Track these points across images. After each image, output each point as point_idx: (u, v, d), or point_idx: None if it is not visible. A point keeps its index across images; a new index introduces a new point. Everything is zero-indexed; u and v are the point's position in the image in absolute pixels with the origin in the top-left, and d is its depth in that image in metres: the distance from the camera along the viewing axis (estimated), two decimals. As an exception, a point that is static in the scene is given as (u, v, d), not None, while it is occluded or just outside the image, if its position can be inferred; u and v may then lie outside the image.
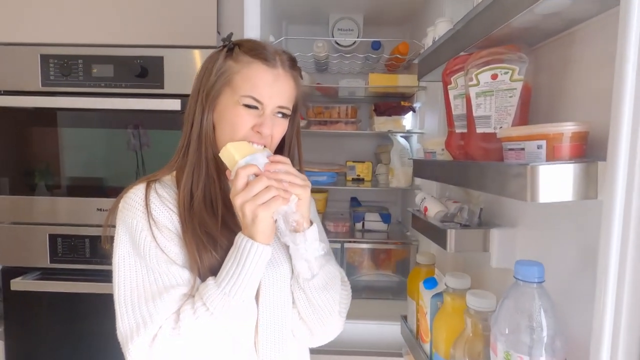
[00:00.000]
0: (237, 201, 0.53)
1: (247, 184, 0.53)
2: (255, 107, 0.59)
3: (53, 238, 1.09)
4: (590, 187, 0.44)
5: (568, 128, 0.44)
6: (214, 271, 0.56)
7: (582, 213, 0.50)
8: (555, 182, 0.43)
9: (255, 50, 0.59)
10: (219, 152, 0.59)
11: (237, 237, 0.55)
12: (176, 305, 0.54)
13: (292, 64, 0.63)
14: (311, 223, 0.60)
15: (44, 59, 1.06)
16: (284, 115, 0.62)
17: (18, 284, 1.07)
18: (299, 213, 0.57)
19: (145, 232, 0.55)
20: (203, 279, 0.56)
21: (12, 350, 1.12)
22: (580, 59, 0.52)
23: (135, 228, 0.55)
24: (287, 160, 0.57)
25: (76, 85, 1.06)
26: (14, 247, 1.10)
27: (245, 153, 0.55)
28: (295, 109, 0.66)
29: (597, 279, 0.43)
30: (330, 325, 0.65)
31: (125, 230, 0.56)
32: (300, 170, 0.66)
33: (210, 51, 0.63)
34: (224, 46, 0.61)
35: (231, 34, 0.62)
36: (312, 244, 0.58)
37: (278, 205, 0.53)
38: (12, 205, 1.09)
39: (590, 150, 0.47)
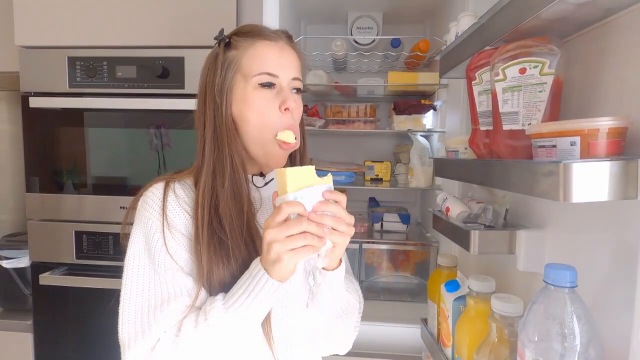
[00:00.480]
0: (267, 236, 0.48)
1: (285, 222, 0.47)
2: (272, 85, 0.57)
3: (79, 235, 1.12)
4: (629, 186, 0.41)
5: (605, 123, 0.42)
6: (222, 284, 0.54)
7: (620, 214, 0.47)
8: (591, 181, 0.41)
9: (253, 31, 0.59)
10: (248, 146, 0.58)
11: (253, 263, 0.52)
12: (176, 318, 0.52)
13: (290, 38, 0.62)
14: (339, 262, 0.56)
15: (71, 61, 1.09)
16: (298, 90, 0.61)
17: (46, 279, 1.11)
18: (328, 259, 0.53)
19: (158, 234, 0.55)
20: (210, 288, 0.55)
21: (40, 342, 1.17)
22: (617, 50, 0.49)
23: (150, 228, 0.55)
24: (342, 199, 0.51)
25: (101, 86, 1.09)
26: (42, 243, 1.14)
27: (301, 184, 0.49)
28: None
29: (636, 284, 0.40)
30: (340, 347, 0.67)
31: (141, 230, 0.56)
32: (303, 157, 0.66)
33: (221, 28, 0.61)
34: (219, 41, 0.59)
35: (222, 29, 0.60)
36: (334, 286, 0.56)
37: (307, 254, 0.48)
38: (41, 203, 1.13)
39: (629, 147, 0.45)
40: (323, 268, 0.55)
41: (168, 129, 1.09)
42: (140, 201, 0.58)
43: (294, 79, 0.59)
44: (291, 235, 0.47)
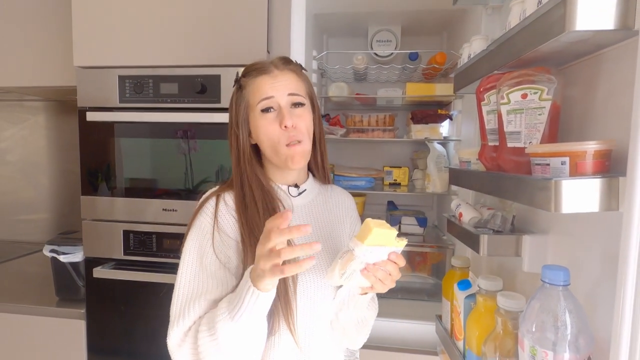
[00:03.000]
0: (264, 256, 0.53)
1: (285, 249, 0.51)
2: (270, 108, 0.67)
3: (126, 233, 1.26)
4: (612, 200, 0.48)
5: (591, 147, 0.49)
6: None
7: (606, 223, 0.54)
8: (578, 195, 0.48)
9: (252, 70, 0.70)
10: (272, 160, 0.70)
11: (246, 271, 0.58)
12: (210, 308, 0.62)
13: (286, 62, 0.71)
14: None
15: (121, 79, 1.23)
16: (300, 104, 0.69)
17: (99, 272, 1.25)
18: (362, 290, 0.67)
19: (208, 235, 0.66)
20: None
21: (92, 329, 1.31)
22: (606, 79, 0.56)
23: (202, 230, 0.67)
24: (401, 262, 0.61)
25: (147, 101, 1.22)
26: (95, 241, 1.28)
27: (378, 241, 0.57)
28: (313, 103, 0.74)
29: (617, 282, 0.47)
30: (352, 346, 0.80)
31: (195, 231, 0.67)
32: (322, 165, 0.78)
33: (237, 70, 0.75)
34: (236, 81, 0.72)
35: (237, 73, 0.73)
36: (359, 305, 0.70)
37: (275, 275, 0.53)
38: (94, 205, 1.28)
39: (615, 166, 0.51)
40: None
41: (207, 139, 1.21)
42: (198, 209, 0.69)
43: (290, 94, 0.68)
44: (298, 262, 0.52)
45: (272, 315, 0.63)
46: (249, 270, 0.57)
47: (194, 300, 0.63)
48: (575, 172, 0.50)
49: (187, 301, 0.63)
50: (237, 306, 0.56)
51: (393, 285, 0.62)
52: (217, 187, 0.73)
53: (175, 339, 0.61)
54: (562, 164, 0.50)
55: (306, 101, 0.71)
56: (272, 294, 0.57)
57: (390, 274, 0.60)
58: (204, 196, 0.71)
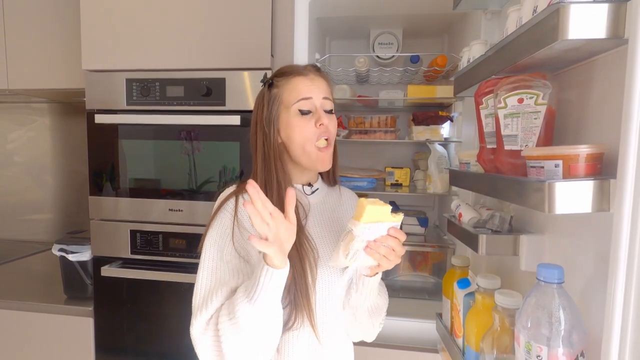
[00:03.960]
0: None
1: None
2: (309, 112, 0.71)
3: (133, 233, 1.29)
4: (603, 201, 0.51)
5: (583, 150, 0.51)
6: None
7: (598, 224, 0.56)
8: (570, 196, 0.50)
9: (288, 71, 0.74)
10: (298, 160, 0.73)
11: (259, 255, 0.62)
12: (227, 298, 0.64)
13: (318, 69, 0.76)
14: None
15: (129, 82, 1.26)
16: (331, 111, 0.74)
17: (106, 271, 1.28)
18: (371, 271, 0.69)
19: (228, 230, 0.69)
20: None
21: (100, 326, 1.34)
22: (598, 85, 0.58)
23: (223, 224, 0.70)
24: (402, 237, 0.65)
25: (153, 104, 1.25)
26: (102, 240, 1.31)
27: (374, 218, 0.61)
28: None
29: (608, 280, 0.49)
30: (367, 337, 0.82)
31: (216, 227, 0.70)
32: (333, 170, 0.81)
33: (265, 72, 0.79)
34: (265, 84, 0.75)
35: (266, 74, 0.76)
36: (370, 289, 0.72)
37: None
38: (101, 205, 1.30)
39: (607, 168, 0.54)
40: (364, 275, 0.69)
41: (213, 140, 1.24)
42: (219, 207, 0.72)
43: (325, 98, 0.73)
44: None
45: (293, 310, 0.66)
46: (261, 254, 0.60)
47: (215, 291, 0.65)
48: (569, 174, 0.52)
49: (209, 292, 0.66)
50: (254, 288, 0.59)
51: (398, 260, 0.66)
52: (235, 186, 0.75)
53: (198, 328, 0.64)
54: (555, 167, 0.52)
55: (334, 107, 0.76)
56: (285, 271, 0.60)
57: (393, 250, 0.64)
58: (223, 195, 0.74)
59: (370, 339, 0.83)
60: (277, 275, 0.59)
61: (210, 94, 1.21)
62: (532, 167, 0.56)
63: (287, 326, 0.67)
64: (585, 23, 0.49)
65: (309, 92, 0.71)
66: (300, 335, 0.70)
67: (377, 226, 0.61)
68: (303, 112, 0.71)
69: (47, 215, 2.04)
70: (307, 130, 0.71)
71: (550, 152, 0.53)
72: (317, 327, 0.70)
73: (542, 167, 0.54)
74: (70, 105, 1.96)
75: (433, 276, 1.46)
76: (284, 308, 0.66)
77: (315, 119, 0.71)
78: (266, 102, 0.73)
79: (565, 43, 0.51)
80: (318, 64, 0.78)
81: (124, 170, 1.30)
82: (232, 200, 0.72)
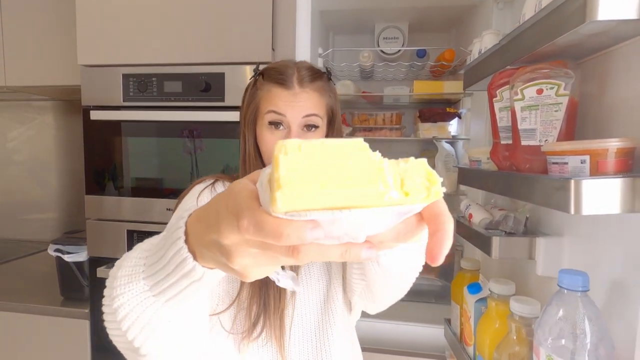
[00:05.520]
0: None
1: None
2: (280, 123, 0.60)
3: (130, 233, 1.25)
4: (636, 201, 0.45)
5: (613, 144, 0.46)
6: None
7: (629, 225, 0.50)
8: (599, 195, 0.45)
9: (273, 76, 0.62)
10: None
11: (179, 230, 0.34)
12: None
13: (314, 78, 0.62)
14: None
15: (125, 77, 1.22)
16: (314, 127, 0.62)
17: (103, 272, 1.25)
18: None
19: (186, 213, 0.52)
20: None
21: (96, 328, 1.31)
22: (627, 73, 0.53)
23: (182, 210, 0.55)
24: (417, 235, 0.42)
25: (151, 100, 1.21)
26: (99, 240, 1.28)
27: (315, 196, 0.32)
28: (333, 116, 0.66)
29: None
30: (379, 303, 0.63)
31: (177, 212, 0.58)
32: None
33: (264, 67, 0.67)
34: (254, 76, 0.65)
35: (258, 65, 0.66)
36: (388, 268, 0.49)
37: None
38: (98, 204, 1.27)
39: (638, 164, 0.48)
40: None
41: (212, 137, 1.20)
42: (185, 193, 0.64)
43: (306, 116, 0.60)
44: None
45: (260, 316, 0.57)
46: (183, 228, 0.33)
47: None
48: (596, 171, 0.47)
49: None
50: (163, 279, 0.35)
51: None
52: (211, 176, 0.68)
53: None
54: (582, 163, 0.47)
55: (322, 122, 0.63)
56: (218, 272, 0.33)
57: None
58: (195, 182, 0.66)
59: (382, 307, 0.64)
60: (207, 277, 0.33)
61: (209, 89, 1.17)
62: (554, 163, 0.51)
63: (247, 335, 0.57)
64: (616, 2, 0.44)
65: (284, 109, 0.60)
66: (263, 352, 0.59)
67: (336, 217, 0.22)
68: (272, 124, 0.61)
69: (49, 215, 2.02)
70: (271, 145, 0.61)
71: (576, 147, 0.48)
72: (286, 350, 0.59)
73: (566, 164, 0.49)
74: (70, 103, 1.93)
75: (439, 279, 1.41)
76: (244, 309, 0.57)
77: (284, 136, 0.61)
78: (247, 102, 0.65)
79: (593, 25, 0.46)
80: (319, 68, 0.66)
81: (122, 169, 1.26)
82: (198, 188, 0.63)
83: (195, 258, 0.32)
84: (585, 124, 0.60)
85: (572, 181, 0.46)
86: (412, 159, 0.23)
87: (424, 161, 0.23)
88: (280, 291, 0.59)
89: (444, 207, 0.25)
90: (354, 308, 0.67)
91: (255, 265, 0.27)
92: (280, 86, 0.61)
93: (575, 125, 0.58)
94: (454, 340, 0.89)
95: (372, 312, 0.67)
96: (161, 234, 0.38)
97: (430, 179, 0.22)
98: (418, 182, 0.22)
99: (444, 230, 0.24)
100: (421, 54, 1.40)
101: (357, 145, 0.22)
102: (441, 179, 0.23)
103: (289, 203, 0.20)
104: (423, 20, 1.51)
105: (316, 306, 0.63)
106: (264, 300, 0.58)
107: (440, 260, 0.24)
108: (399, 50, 1.52)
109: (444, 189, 0.23)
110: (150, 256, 0.37)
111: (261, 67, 0.67)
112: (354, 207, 0.20)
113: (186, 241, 0.32)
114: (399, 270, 0.52)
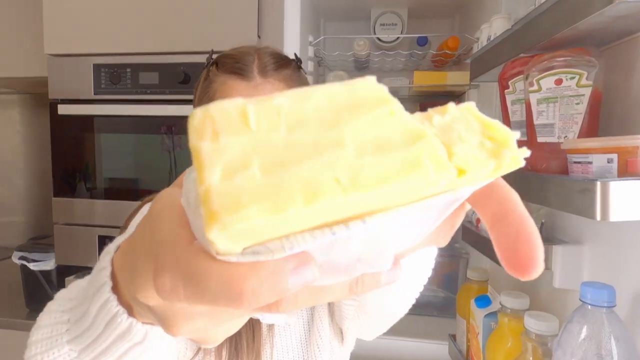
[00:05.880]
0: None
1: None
2: None
3: (102, 239, 1.20)
4: (670, 206, 0.42)
5: (645, 141, 0.43)
6: None
7: (662, 233, 0.47)
8: (629, 199, 0.42)
9: (229, 65, 0.55)
10: None
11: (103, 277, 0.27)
12: None
13: (278, 66, 0.57)
14: None
15: (96, 68, 1.16)
16: None
17: (72, 282, 1.19)
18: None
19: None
20: None
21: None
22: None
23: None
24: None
25: (124, 92, 1.16)
26: (68, 247, 1.23)
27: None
28: None
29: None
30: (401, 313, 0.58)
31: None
32: None
33: (211, 51, 0.62)
34: (206, 66, 0.59)
35: (212, 51, 0.60)
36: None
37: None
38: (67, 208, 1.22)
39: (671, 164, 0.45)
40: None
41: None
42: (136, 210, 0.60)
43: None
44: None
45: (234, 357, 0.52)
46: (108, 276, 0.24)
47: None
48: (625, 171, 0.44)
49: None
50: (93, 342, 0.26)
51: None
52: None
53: None
54: (608, 162, 0.44)
55: None
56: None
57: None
58: (148, 198, 0.61)
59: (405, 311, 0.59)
60: (150, 335, 0.25)
61: (189, 80, 1.12)
62: (576, 162, 0.48)
63: None
64: (650, -22, 0.41)
65: None
66: None
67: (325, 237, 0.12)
68: None
69: (13, 219, 1.95)
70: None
71: (602, 144, 0.45)
72: None
73: (590, 163, 0.46)
74: (39, 96, 1.86)
75: (442, 289, 1.38)
76: (211, 354, 0.50)
77: None
78: (199, 93, 0.57)
79: (623, 6, 0.43)
80: (285, 55, 0.59)
81: (94, 169, 1.21)
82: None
83: (131, 313, 0.23)
84: (609, 119, 0.57)
85: (599, 183, 0.42)
86: (451, 105, 0.15)
87: (473, 107, 0.15)
88: (254, 329, 0.52)
89: (505, 184, 0.17)
90: (345, 336, 0.60)
91: (213, 327, 0.18)
92: (238, 77, 0.54)
93: (598, 120, 0.55)
94: (460, 358, 0.86)
95: (369, 337, 0.61)
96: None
97: (496, 135, 0.14)
98: (475, 147, 0.14)
99: (522, 221, 0.15)
100: (422, 42, 1.37)
101: (372, 96, 0.13)
102: (517, 134, 0.14)
103: (242, 235, 0.11)
104: (424, 4, 1.47)
105: (298, 341, 0.57)
106: (235, 342, 0.52)
107: (539, 270, 0.15)
108: (398, 38, 1.48)
109: (524, 151, 0.14)
110: (75, 308, 0.28)
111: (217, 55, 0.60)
112: (372, 212, 0.12)
113: (115, 289, 0.23)
114: (407, 278, 0.45)
